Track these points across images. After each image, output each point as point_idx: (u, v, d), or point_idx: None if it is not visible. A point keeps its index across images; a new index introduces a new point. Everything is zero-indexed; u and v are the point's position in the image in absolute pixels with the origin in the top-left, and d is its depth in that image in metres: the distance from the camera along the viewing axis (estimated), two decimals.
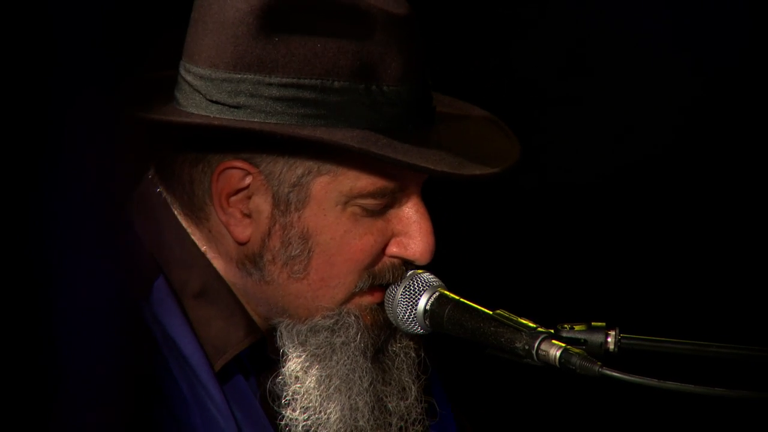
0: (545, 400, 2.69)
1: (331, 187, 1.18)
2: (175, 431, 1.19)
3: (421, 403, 1.28)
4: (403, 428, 1.27)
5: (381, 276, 1.22)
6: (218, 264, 1.27)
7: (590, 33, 3.02)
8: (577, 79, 2.99)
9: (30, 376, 1.03)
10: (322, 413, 1.22)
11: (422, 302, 1.18)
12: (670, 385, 0.97)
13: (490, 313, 1.12)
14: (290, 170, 1.18)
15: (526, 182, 2.84)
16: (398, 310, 1.20)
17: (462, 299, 1.16)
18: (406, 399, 1.26)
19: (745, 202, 3.06)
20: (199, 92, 1.18)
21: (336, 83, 1.14)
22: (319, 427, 1.22)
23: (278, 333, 1.24)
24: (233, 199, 1.20)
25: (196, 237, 1.26)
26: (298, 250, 1.20)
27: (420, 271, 1.21)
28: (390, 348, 1.26)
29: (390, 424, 1.26)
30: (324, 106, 1.14)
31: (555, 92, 2.95)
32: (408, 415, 1.27)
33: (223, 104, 1.16)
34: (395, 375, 1.26)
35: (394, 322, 1.22)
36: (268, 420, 1.26)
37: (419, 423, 1.29)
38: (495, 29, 2.91)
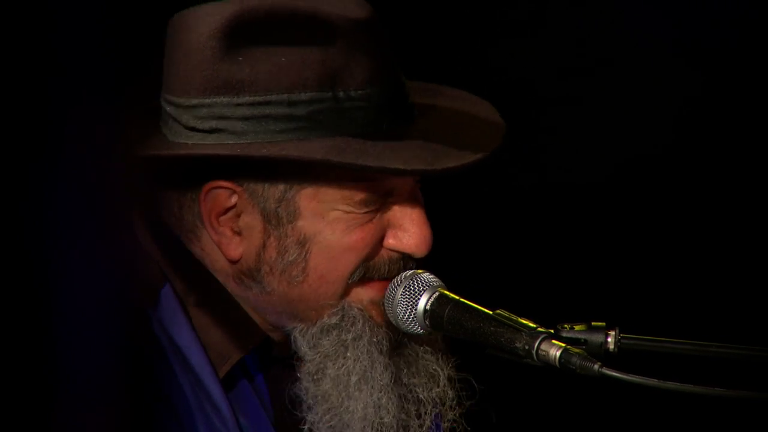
0: (545, 400, 2.69)
1: (318, 198, 1.19)
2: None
3: (454, 386, 1.28)
4: (440, 414, 1.27)
5: (377, 268, 1.23)
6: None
7: (590, 33, 3.02)
8: (577, 79, 2.99)
9: (30, 381, 1.03)
10: (345, 413, 1.22)
11: (422, 302, 1.17)
12: (670, 385, 0.97)
13: (490, 313, 1.12)
14: (272, 187, 1.19)
15: (526, 182, 2.83)
16: (398, 310, 1.20)
17: (462, 299, 1.16)
18: (438, 386, 1.26)
19: (745, 201, 3.06)
20: (177, 120, 1.20)
21: (303, 95, 1.14)
22: (344, 427, 1.22)
23: (293, 339, 1.25)
24: (223, 218, 1.22)
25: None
26: (295, 255, 1.21)
27: (420, 271, 1.21)
28: (412, 338, 1.25)
29: (424, 413, 1.26)
30: (294, 120, 1.15)
31: (555, 92, 2.95)
32: (443, 400, 1.27)
33: (199, 130, 1.18)
34: (422, 364, 1.26)
35: (394, 322, 1.22)
36: (279, 425, 1.26)
37: (457, 405, 1.28)
38: (495, 29, 2.91)
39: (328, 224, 1.20)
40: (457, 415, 1.29)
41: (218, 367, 1.23)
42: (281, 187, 1.19)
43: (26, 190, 1.04)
